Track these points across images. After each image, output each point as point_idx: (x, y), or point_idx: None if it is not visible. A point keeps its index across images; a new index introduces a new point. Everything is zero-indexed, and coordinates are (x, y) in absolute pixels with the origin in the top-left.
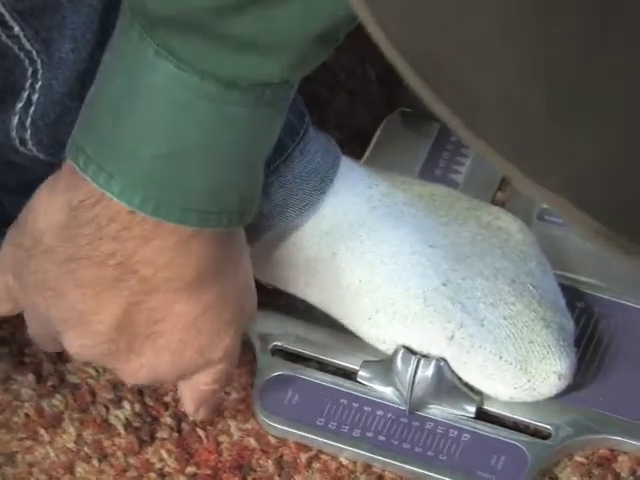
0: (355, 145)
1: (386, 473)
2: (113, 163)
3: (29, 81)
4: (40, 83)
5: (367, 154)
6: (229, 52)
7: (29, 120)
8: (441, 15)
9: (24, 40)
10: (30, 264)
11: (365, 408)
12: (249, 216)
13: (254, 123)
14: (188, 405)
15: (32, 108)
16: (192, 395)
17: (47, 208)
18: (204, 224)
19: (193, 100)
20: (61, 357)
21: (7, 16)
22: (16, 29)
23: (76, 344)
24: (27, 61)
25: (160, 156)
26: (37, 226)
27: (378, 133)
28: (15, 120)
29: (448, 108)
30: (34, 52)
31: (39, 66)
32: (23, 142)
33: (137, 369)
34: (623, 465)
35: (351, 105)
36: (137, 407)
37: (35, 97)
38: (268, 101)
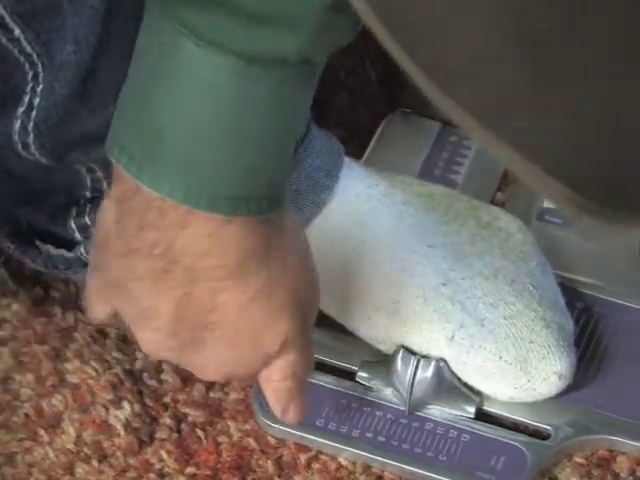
0: (355, 145)
1: (385, 474)
2: (142, 151)
3: (30, 84)
4: (41, 86)
5: (367, 154)
6: (245, 25)
7: (31, 124)
8: None
9: (25, 43)
10: (100, 260)
11: (364, 409)
12: (279, 202)
13: (279, 103)
14: (273, 408)
15: (34, 111)
16: (270, 395)
17: (105, 205)
18: (234, 211)
19: (216, 78)
20: (60, 357)
21: (8, 18)
22: (17, 32)
23: (145, 340)
24: (27, 64)
25: (188, 140)
26: (103, 221)
27: (378, 133)
28: (17, 124)
29: (421, 69)
30: (35, 55)
31: (40, 69)
32: (26, 146)
33: (204, 363)
34: (622, 465)
35: (351, 104)
36: (137, 408)
37: (37, 100)
38: (291, 80)
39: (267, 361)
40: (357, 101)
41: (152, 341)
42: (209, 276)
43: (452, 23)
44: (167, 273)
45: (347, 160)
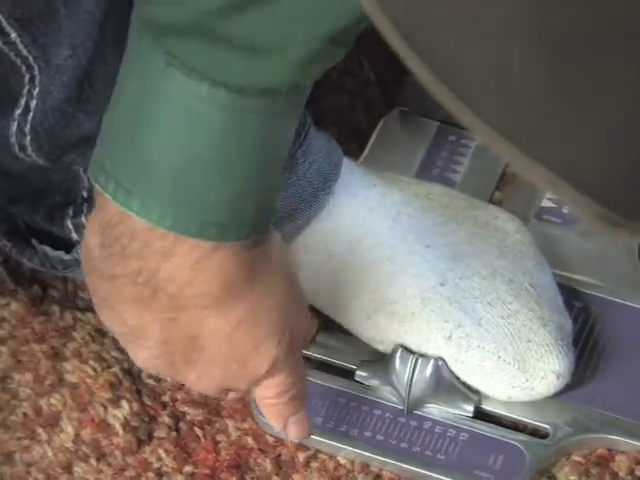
0: (353, 144)
1: (384, 472)
2: (130, 179)
3: (27, 87)
4: (38, 89)
5: (365, 154)
6: (236, 57)
7: (28, 126)
8: (445, 8)
9: (21, 46)
10: (89, 281)
11: (363, 407)
12: (266, 226)
13: (268, 131)
14: (273, 425)
15: (31, 114)
16: (267, 412)
17: (89, 228)
18: (222, 237)
19: (205, 109)
20: (58, 356)
21: (4, 22)
22: (13, 35)
23: (139, 357)
24: (24, 67)
25: (176, 169)
26: (86, 244)
27: (376, 133)
28: (14, 126)
29: (444, 85)
30: (31, 58)
31: (36, 72)
32: (22, 148)
33: (197, 380)
34: (621, 464)
35: (349, 104)
36: (135, 406)
37: (33, 103)
38: (280, 108)
39: (257, 381)
40: (355, 101)
41: (146, 359)
42: (193, 303)
43: (477, 39)
44: (152, 300)
45: (345, 161)
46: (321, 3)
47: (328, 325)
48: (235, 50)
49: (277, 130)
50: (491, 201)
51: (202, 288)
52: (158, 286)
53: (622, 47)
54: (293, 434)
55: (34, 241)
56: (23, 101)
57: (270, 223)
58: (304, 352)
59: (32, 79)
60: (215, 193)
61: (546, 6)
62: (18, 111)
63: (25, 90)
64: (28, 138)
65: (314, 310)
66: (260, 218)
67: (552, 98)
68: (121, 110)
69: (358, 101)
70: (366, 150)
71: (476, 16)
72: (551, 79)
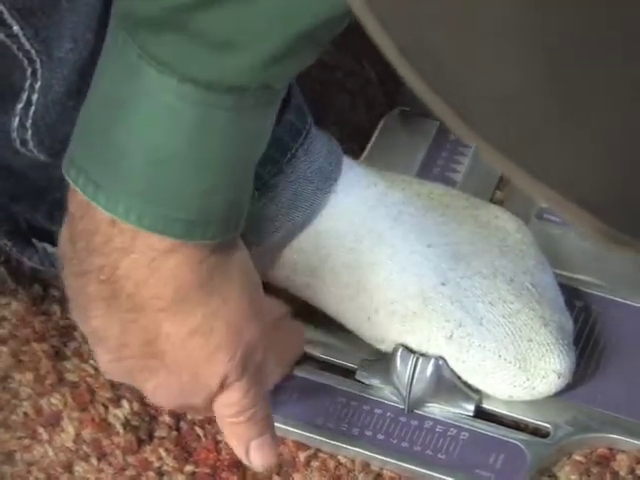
0: (353, 144)
1: (385, 472)
2: (99, 172)
3: (28, 81)
4: (40, 83)
5: (365, 153)
6: (205, 52)
7: (30, 121)
8: (440, 10)
9: (23, 39)
10: (62, 276)
11: (364, 407)
12: (235, 229)
13: (238, 128)
14: (234, 449)
15: (32, 108)
16: (227, 433)
17: (64, 223)
18: (188, 235)
19: (175, 104)
20: (59, 355)
21: (6, 14)
22: (15, 28)
23: (101, 360)
24: (26, 61)
25: (146, 163)
26: (60, 239)
27: (377, 132)
28: (16, 121)
29: (445, 104)
30: (33, 52)
31: (38, 66)
32: (24, 143)
33: (154, 390)
34: (622, 464)
35: (350, 104)
36: (136, 406)
37: (35, 97)
38: (251, 105)
39: (211, 396)
40: (356, 101)
41: (106, 362)
42: (149, 305)
43: (478, 57)
44: (114, 298)
45: (346, 160)
46: (292, 3)
47: (329, 324)
48: (205, 46)
49: (247, 128)
50: (492, 201)
51: (157, 289)
52: (118, 284)
53: (620, 47)
54: (255, 460)
55: (34, 240)
56: (25, 95)
57: (238, 235)
58: (306, 350)
59: (34, 73)
60: (183, 188)
61: (544, 12)
62: (20, 105)
63: (27, 84)
64: (29, 133)
65: (314, 309)
66: (229, 219)
67: (550, 109)
68: (94, 103)
69: (359, 101)
70: (367, 150)
71: (474, 31)
72: (549, 89)
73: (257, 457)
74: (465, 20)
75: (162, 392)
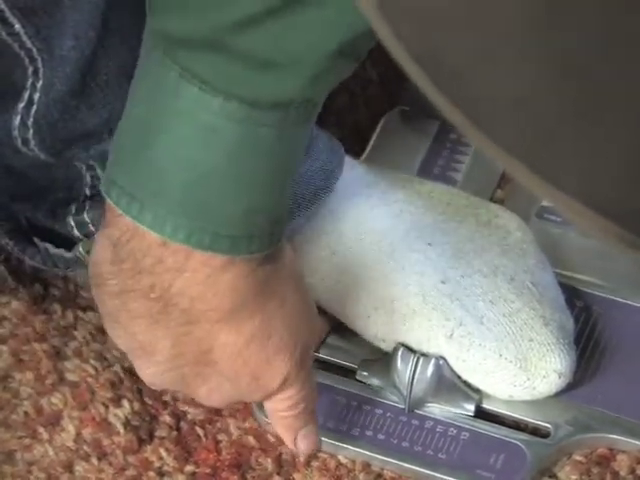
0: (354, 143)
1: (385, 472)
2: (143, 192)
3: (30, 80)
4: (41, 82)
5: (366, 152)
6: (249, 71)
7: (31, 119)
8: (456, 21)
9: (25, 38)
10: (95, 294)
11: (364, 407)
12: (277, 240)
13: (281, 144)
14: (283, 437)
15: (34, 107)
16: (277, 425)
17: (99, 243)
18: (235, 250)
19: (218, 122)
20: (59, 355)
21: (7, 12)
22: (17, 26)
23: (147, 373)
24: (27, 59)
25: (189, 182)
26: (95, 259)
27: (377, 131)
28: (17, 120)
29: (462, 113)
30: (34, 50)
31: (40, 64)
32: (25, 142)
33: (208, 394)
34: (622, 464)
35: (350, 104)
36: (136, 406)
37: (36, 96)
38: (293, 121)
39: (269, 396)
40: (356, 100)
41: (154, 374)
42: (205, 318)
43: (491, 59)
44: (164, 314)
45: (347, 159)
46: (331, 18)
47: (329, 324)
48: (249, 64)
49: (289, 143)
50: (492, 199)
51: (214, 303)
52: (170, 301)
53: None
54: (303, 447)
55: (36, 239)
56: (27, 94)
57: (282, 238)
58: None
59: (35, 71)
60: (228, 206)
61: (558, 12)
62: (21, 104)
63: (29, 83)
64: (31, 132)
65: (323, 312)
66: (272, 231)
67: (564, 110)
68: (133, 123)
69: (359, 100)
70: (367, 149)
71: (486, 33)
72: (563, 90)
73: (304, 445)
74: (477, 22)
75: (217, 396)
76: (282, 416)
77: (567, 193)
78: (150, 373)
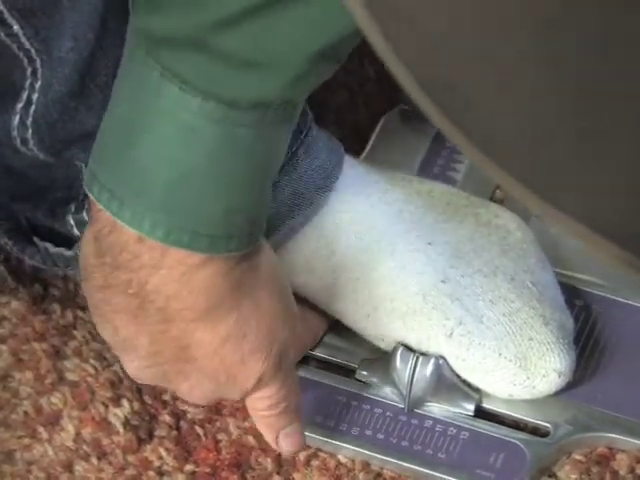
0: (354, 142)
1: (385, 471)
2: (124, 189)
3: (29, 80)
4: (40, 82)
5: (366, 152)
6: (230, 70)
7: (30, 119)
8: (465, 50)
9: (23, 39)
10: (84, 287)
11: (364, 406)
12: (256, 240)
13: (260, 144)
14: (265, 436)
15: (33, 107)
16: (258, 424)
17: (85, 237)
18: (214, 249)
19: (197, 122)
20: (59, 354)
21: (6, 14)
22: (15, 27)
23: (130, 367)
24: (26, 60)
25: (170, 181)
26: (82, 252)
27: (377, 131)
28: (16, 120)
29: (466, 137)
30: (33, 51)
31: (38, 65)
32: (24, 142)
33: (190, 391)
34: (622, 463)
35: (350, 103)
36: (136, 405)
37: (35, 96)
38: (272, 121)
39: (246, 395)
40: (356, 99)
41: (137, 368)
42: (180, 317)
43: (496, 88)
44: (142, 310)
45: (346, 158)
46: (314, 19)
47: (329, 323)
48: (227, 64)
49: (268, 144)
50: (492, 199)
51: (189, 302)
52: (147, 298)
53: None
54: (285, 447)
55: (36, 238)
56: (25, 94)
57: (261, 237)
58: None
59: (34, 72)
60: (208, 205)
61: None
62: (20, 104)
63: (27, 83)
64: (30, 132)
65: (320, 311)
66: (251, 231)
67: (569, 141)
68: (115, 120)
69: (359, 99)
70: (367, 148)
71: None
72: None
73: (286, 444)
74: (482, 51)
75: (198, 392)
76: (262, 415)
77: (570, 216)
78: (134, 367)
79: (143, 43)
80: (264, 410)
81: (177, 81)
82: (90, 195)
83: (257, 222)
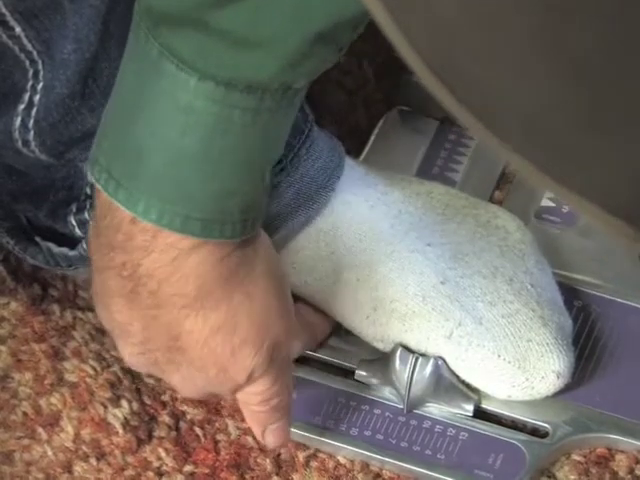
0: (353, 143)
1: (384, 472)
2: (121, 170)
3: (30, 82)
4: (42, 84)
5: (365, 152)
6: (227, 49)
7: (32, 121)
8: (474, 34)
9: (25, 41)
10: (91, 272)
11: (363, 407)
12: (251, 229)
13: (256, 129)
14: (253, 430)
15: (34, 109)
16: (247, 418)
17: (91, 220)
18: (206, 234)
19: (193, 102)
20: (58, 355)
21: (8, 16)
22: (17, 29)
23: (125, 353)
24: (28, 62)
25: (165, 162)
26: (88, 237)
27: (376, 131)
28: (18, 121)
29: (476, 119)
30: (35, 53)
31: (40, 67)
32: (26, 143)
33: (181, 382)
34: (621, 464)
35: (349, 103)
36: (135, 406)
37: (37, 98)
38: (270, 108)
39: (237, 389)
40: (355, 100)
41: (131, 355)
42: (171, 302)
43: (505, 72)
44: (135, 294)
45: (346, 159)
46: (308, 0)
47: (330, 326)
48: (225, 43)
49: (265, 130)
50: (491, 200)
51: (179, 287)
52: (140, 281)
53: None
54: (270, 442)
55: (38, 238)
56: (27, 96)
57: (259, 230)
58: (306, 352)
59: (36, 74)
60: (200, 188)
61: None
62: (22, 106)
63: (29, 85)
64: (32, 133)
65: (325, 314)
66: (245, 218)
67: (578, 121)
68: (117, 101)
69: (357, 100)
70: (366, 149)
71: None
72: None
73: (272, 439)
74: (490, 36)
75: (189, 385)
76: (254, 410)
77: (580, 194)
78: (128, 353)
79: (144, 21)
80: (256, 405)
81: (175, 60)
82: (91, 177)
83: (251, 209)
